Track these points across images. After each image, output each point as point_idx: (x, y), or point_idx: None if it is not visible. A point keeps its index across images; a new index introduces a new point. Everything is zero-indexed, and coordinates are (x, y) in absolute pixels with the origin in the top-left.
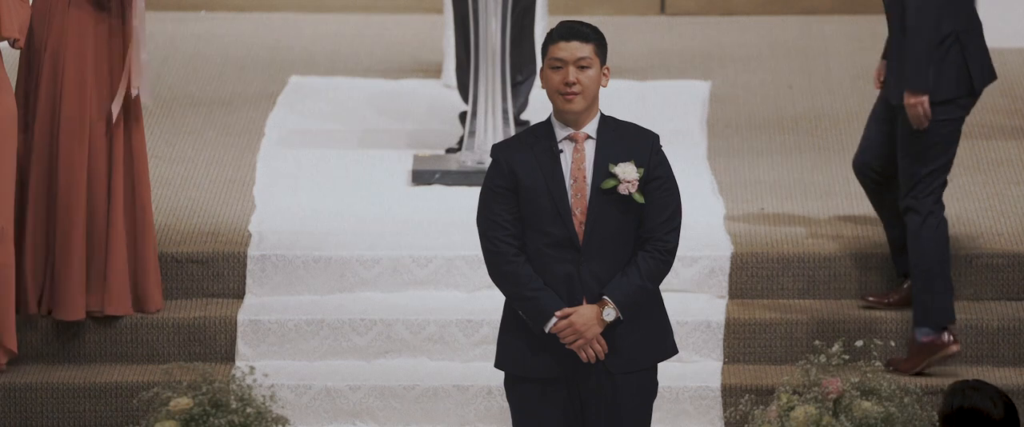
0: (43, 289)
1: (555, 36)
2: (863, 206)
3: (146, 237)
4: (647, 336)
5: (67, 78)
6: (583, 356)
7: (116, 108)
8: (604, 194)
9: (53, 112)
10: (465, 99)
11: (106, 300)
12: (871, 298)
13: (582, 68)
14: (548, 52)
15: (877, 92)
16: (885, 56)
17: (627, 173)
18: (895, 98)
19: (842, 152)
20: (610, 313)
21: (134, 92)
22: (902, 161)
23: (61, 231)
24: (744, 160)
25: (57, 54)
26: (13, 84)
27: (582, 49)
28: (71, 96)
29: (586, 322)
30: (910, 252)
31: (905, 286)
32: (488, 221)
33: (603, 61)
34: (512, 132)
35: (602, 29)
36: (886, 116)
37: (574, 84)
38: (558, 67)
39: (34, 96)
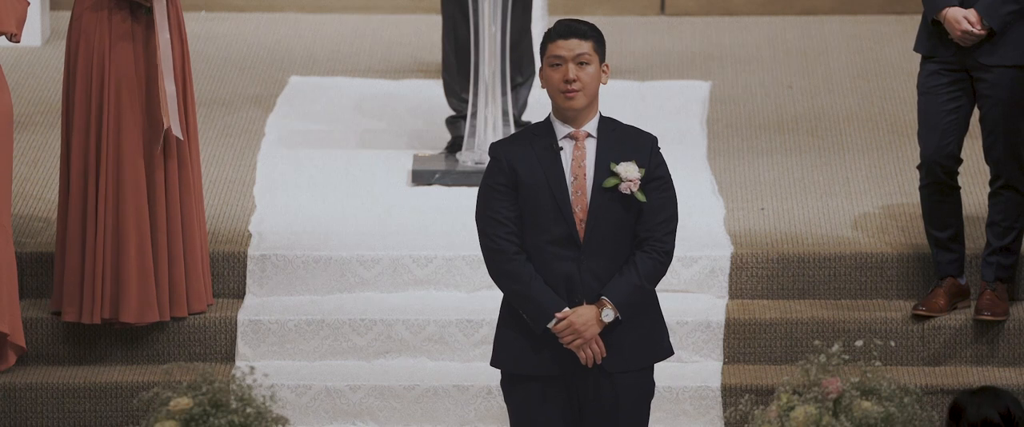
0: (103, 297)
1: (553, 34)
2: (863, 206)
3: (200, 237)
4: (644, 337)
5: (108, 88)
6: (582, 356)
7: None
8: (605, 192)
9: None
10: (451, 103)
11: (173, 303)
12: (922, 308)
13: (581, 65)
14: (547, 50)
15: (876, 92)
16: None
17: (629, 172)
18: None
19: (842, 152)
20: (609, 314)
21: (165, 124)
22: (1009, 136)
23: (124, 238)
24: (744, 160)
25: (99, 61)
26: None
27: (581, 46)
28: (112, 103)
29: (585, 322)
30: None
31: (943, 287)
32: (488, 219)
33: (602, 58)
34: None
35: (602, 29)
36: (960, 89)
37: (574, 81)
38: (557, 64)
39: (75, 100)
